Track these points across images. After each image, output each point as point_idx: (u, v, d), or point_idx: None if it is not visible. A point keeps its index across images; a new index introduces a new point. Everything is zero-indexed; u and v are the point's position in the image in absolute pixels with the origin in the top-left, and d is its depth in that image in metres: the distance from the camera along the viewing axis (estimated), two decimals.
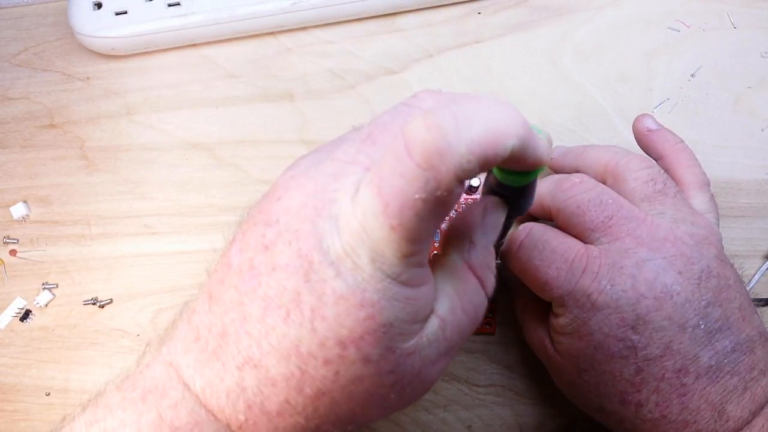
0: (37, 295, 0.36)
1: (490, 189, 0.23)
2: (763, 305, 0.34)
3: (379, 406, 0.21)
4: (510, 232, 0.27)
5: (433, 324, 0.21)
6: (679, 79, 0.37)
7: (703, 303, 0.26)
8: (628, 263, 0.26)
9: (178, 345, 0.21)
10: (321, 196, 0.19)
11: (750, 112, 0.37)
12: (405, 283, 0.19)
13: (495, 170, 0.21)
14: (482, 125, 0.17)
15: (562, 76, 0.38)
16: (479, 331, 0.34)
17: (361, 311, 0.19)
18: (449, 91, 0.23)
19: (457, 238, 0.22)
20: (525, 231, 0.28)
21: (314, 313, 0.19)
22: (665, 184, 0.29)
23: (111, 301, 0.36)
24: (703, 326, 0.26)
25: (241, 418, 0.20)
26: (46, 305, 0.36)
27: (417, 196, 0.17)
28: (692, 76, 0.37)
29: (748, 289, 0.35)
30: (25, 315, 0.36)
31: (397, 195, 0.17)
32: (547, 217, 0.30)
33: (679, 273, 0.26)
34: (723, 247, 0.28)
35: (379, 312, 0.19)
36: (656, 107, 0.37)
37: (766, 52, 0.38)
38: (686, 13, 0.38)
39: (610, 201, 0.27)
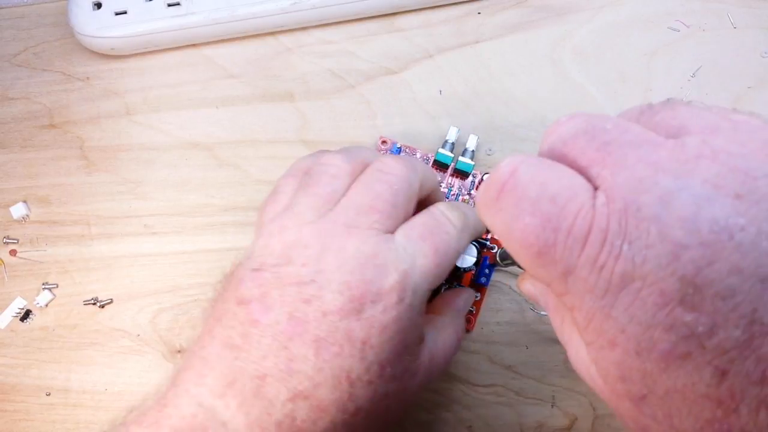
0: (38, 295, 0.36)
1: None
2: None
3: (389, 421, 0.26)
4: None
5: (425, 353, 0.26)
6: (679, 79, 0.37)
7: None
8: (646, 201, 0.16)
9: (203, 390, 0.23)
10: (358, 256, 0.24)
11: (750, 112, 0.37)
12: (419, 313, 0.25)
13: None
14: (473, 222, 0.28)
15: (562, 76, 0.38)
16: None
17: (397, 336, 0.24)
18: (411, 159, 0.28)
19: (450, 306, 0.31)
20: (509, 168, 0.18)
21: (364, 344, 0.23)
22: (647, 110, 0.19)
23: (111, 301, 0.36)
24: None
25: None
26: (47, 305, 0.36)
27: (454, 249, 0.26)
28: (692, 76, 0.37)
29: None
30: (26, 315, 0.36)
31: (444, 244, 0.26)
32: None
33: (737, 196, 0.15)
34: None
35: (406, 336, 0.25)
36: None
37: (766, 52, 0.38)
38: (686, 13, 0.38)
39: (609, 126, 0.18)
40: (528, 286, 0.25)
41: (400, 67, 0.38)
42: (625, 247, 0.15)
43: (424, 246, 0.25)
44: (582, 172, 0.17)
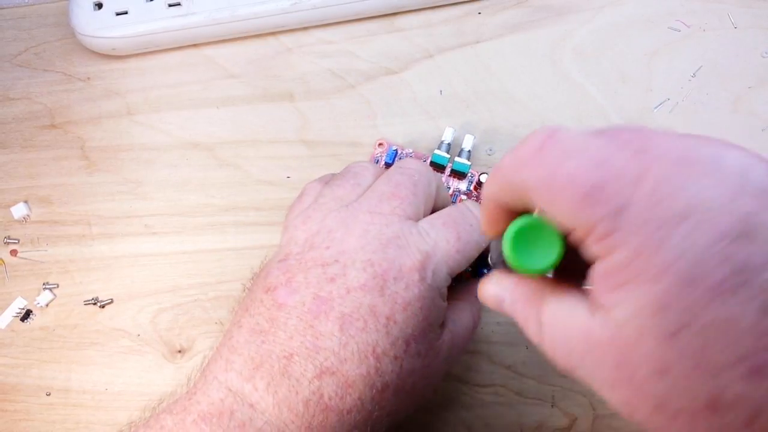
0: (38, 295, 0.36)
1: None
2: None
3: (417, 397, 0.26)
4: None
5: (447, 334, 0.27)
6: (679, 79, 0.37)
7: None
8: (706, 153, 0.16)
9: (232, 375, 0.24)
10: (380, 237, 0.25)
11: (750, 112, 0.37)
12: (441, 296, 0.26)
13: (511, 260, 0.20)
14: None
15: (562, 76, 0.38)
16: None
17: (420, 314, 0.25)
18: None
19: (471, 293, 0.30)
20: (548, 129, 0.18)
21: (388, 320, 0.24)
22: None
23: (111, 301, 0.36)
24: None
25: (315, 422, 0.23)
26: (47, 305, 0.36)
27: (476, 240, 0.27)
28: (692, 76, 0.37)
29: None
30: (26, 315, 0.36)
31: (467, 233, 0.27)
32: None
33: None
34: None
35: (429, 314, 0.25)
36: (656, 107, 0.37)
37: (766, 52, 0.37)
38: (686, 13, 0.38)
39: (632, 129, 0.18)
40: (492, 288, 0.22)
41: (400, 67, 0.38)
42: (689, 184, 0.16)
43: (447, 232, 0.27)
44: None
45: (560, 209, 0.17)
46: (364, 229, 0.26)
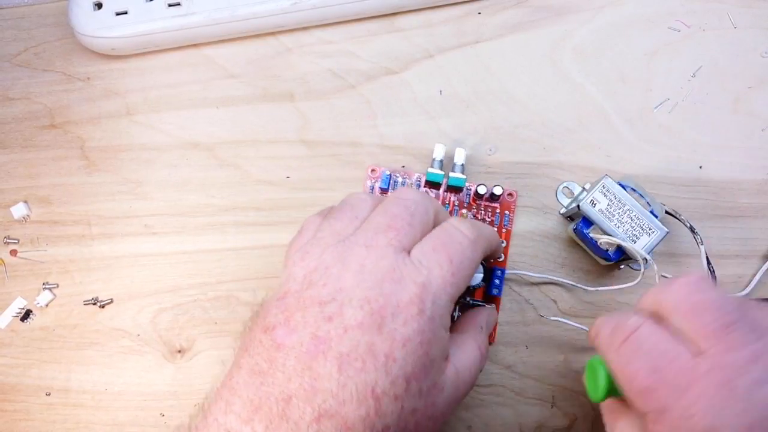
0: (38, 295, 0.36)
1: None
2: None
3: None
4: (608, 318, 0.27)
5: (451, 369, 0.26)
6: (679, 79, 0.37)
7: None
8: (741, 383, 0.21)
9: (231, 418, 0.24)
10: (375, 272, 0.25)
11: (750, 112, 0.37)
12: (443, 326, 0.26)
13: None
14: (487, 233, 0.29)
15: (562, 76, 0.38)
16: None
17: (420, 349, 0.24)
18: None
19: (472, 323, 0.30)
20: (635, 325, 0.24)
21: (387, 358, 0.24)
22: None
23: (111, 301, 0.36)
24: None
25: None
26: (47, 305, 0.36)
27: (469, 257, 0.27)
28: (692, 76, 0.37)
29: (748, 290, 0.35)
30: (26, 315, 0.36)
31: (458, 253, 0.26)
32: None
33: None
34: None
35: (430, 348, 0.25)
36: (656, 107, 0.37)
37: (766, 52, 0.38)
38: (686, 13, 0.38)
39: (732, 307, 0.23)
40: (608, 404, 0.27)
41: (400, 67, 0.38)
42: (714, 410, 0.21)
43: (439, 257, 0.26)
44: (692, 335, 0.23)
45: (625, 390, 0.24)
46: (360, 264, 0.25)
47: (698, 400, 0.22)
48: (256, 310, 0.27)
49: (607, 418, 0.27)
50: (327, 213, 0.29)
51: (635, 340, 0.24)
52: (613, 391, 0.25)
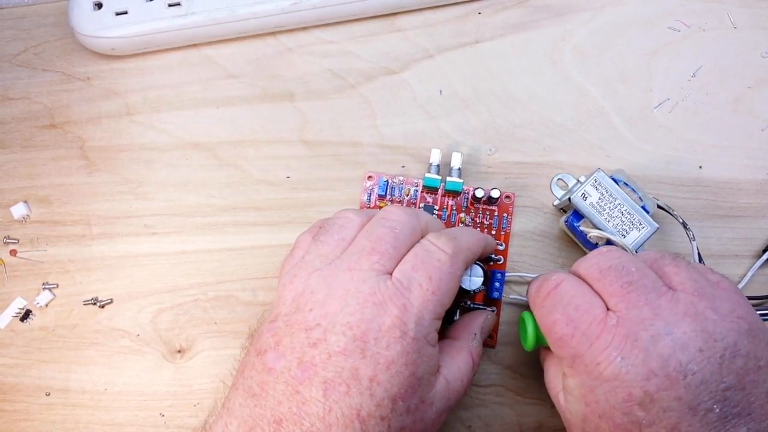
0: (38, 295, 0.36)
1: None
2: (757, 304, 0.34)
3: None
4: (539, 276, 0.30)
5: (441, 381, 0.27)
6: (679, 79, 0.37)
7: (722, 386, 0.23)
8: (644, 335, 0.24)
9: None
10: (357, 296, 0.26)
11: (750, 112, 0.37)
12: (429, 343, 0.26)
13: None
14: (466, 244, 0.29)
15: (562, 76, 0.38)
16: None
17: (406, 370, 0.25)
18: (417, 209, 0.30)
19: (466, 330, 0.31)
20: (556, 281, 0.27)
21: (371, 381, 0.24)
22: (668, 259, 0.27)
23: (111, 301, 0.36)
24: (717, 410, 0.23)
25: None
26: (47, 305, 0.36)
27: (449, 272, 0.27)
28: (692, 76, 0.37)
29: (739, 287, 0.35)
30: (26, 315, 0.36)
31: (437, 270, 0.27)
32: None
33: (700, 350, 0.24)
34: (759, 320, 0.25)
35: (417, 368, 0.25)
36: (656, 107, 0.37)
37: (766, 52, 0.38)
38: (686, 13, 0.38)
39: (634, 269, 0.26)
40: (542, 351, 0.31)
41: (400, 67, 0.38)
42: (619, 359, 0.24)
43: (418, 276, 0.27)
44: (602, 295, 0.26)
45: (547, 338, 0.27)
46: (344, 288, 0.26)
47: (605, 349, 0.24)
48: (254, 328, 0.29)
49: (543, 365, 0.30)
50: (316, 233, 0.29)
51: (556, 294, 0.27)
52: (540, 340, 0.28)
